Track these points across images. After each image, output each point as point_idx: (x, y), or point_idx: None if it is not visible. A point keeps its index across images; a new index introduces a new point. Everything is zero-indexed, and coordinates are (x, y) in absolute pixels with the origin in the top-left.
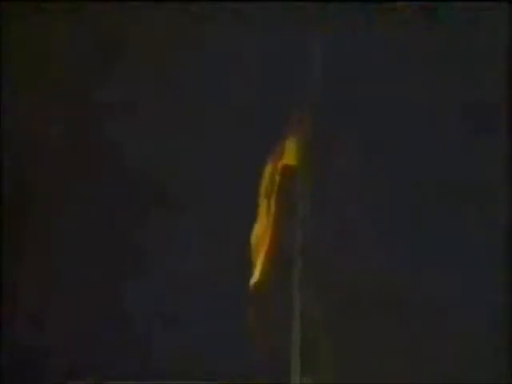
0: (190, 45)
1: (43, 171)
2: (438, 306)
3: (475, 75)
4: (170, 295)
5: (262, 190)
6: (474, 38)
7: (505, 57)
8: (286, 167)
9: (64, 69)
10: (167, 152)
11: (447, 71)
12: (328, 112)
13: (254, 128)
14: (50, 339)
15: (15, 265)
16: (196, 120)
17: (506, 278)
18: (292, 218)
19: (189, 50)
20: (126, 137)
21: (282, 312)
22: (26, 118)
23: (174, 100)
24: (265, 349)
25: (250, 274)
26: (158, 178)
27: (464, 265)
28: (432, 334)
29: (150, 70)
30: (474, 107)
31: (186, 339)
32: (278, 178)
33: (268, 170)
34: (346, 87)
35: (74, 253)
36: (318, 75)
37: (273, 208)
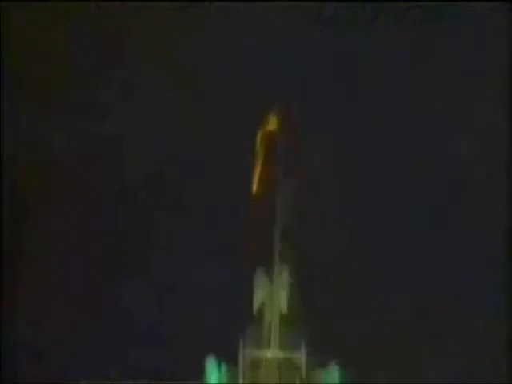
0: (189, 45)
1: (43, 172)
2: (437, 305)
3: (475, 75)
4: (169, 295)
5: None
6: (474, 38)
7: (505, 56)
8: (269, 133)
9: (64, 69)
10: (167, 151)
11: (447, 71)
12: (328, 111)
13: (255, 127)
14: (49, 339)
15: (15, 265)
16: (196, 119)
17: (506, 277)
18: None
19: (189, 49)
20: (126, 137)
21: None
22: (26, 118)
23: (174, 100)
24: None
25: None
26: (157, 177)
27: (464, 265)
28: (431, 333)
29: (150, 69)
30: (475, 107)
31: (186, 338)
32: (266, 142)
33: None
34: (346, 86)
35: (74, 253)
36: (318, 75)
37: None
